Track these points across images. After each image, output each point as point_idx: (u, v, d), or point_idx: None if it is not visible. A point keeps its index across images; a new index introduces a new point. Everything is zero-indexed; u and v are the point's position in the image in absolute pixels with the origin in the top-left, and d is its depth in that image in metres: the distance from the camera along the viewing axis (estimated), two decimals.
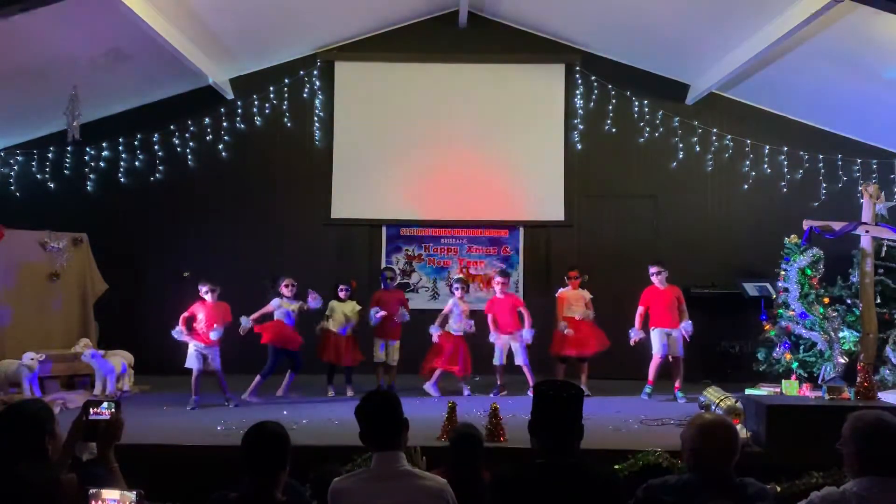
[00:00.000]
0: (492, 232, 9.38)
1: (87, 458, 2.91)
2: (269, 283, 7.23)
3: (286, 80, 9.27)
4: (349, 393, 7.33)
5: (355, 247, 9.30)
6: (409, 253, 9.37)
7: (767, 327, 7.57)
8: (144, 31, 6.98)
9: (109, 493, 2.27)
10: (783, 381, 6.30)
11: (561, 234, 9.30)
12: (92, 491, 2.29)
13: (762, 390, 6.68)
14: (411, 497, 2.71)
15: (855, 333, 7.22)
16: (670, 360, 7.23)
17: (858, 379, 5.36)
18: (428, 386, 7.38)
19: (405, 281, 9.21)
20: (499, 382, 7.49)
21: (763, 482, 2.67)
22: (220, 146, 9.16)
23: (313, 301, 7.22)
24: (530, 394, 5.87)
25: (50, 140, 8.98)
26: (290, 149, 9.33)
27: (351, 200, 9.28)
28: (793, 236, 7.45)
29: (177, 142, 9.13)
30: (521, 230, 9.36)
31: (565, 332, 7.36)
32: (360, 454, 4.35)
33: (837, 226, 7.27)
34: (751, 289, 8.41)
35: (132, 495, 2.26)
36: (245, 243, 9.05)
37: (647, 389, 7.25)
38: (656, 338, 7.22)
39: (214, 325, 6.70)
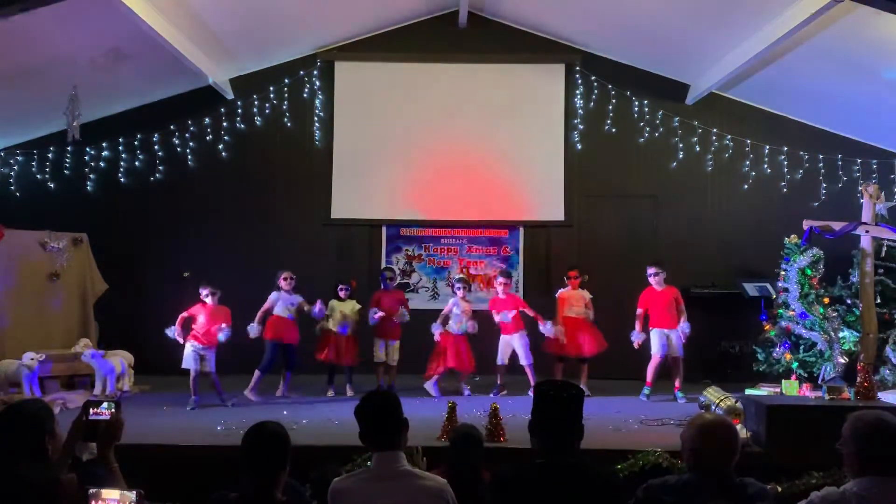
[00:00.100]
0: (492, 232, 9.38)
1: (87, 458, 2.91)
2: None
3: (286, 80, 9.27)
4: (349, 393, 7.33)
5: (355, 247, 9.30)
6: (409, 253, 9.37)
7: (767, 327, 7.57)
8: (144, 31, 6.98)
9: (109, 493, 2.27)
10: (783, 381, 6.31)
11: (561, 234, 9.30)
12: (92, 491, 2.29)
13: (762, 390, 6.69)
14: (411, 497, 2.71)
15: (855, 333, 7.22)
16: (669, 360, 7.24)
17: (858, 379, 5.37)
18: (428, 385, 7.39)
19: (405, 281, 9.21)
20: (499, 382, 7.49)
21: (763, 482, 2.67)
22: (220, 146, 9.16)
23: (318, 311, 7.22)
24: (531, 394, 5.87)
25: (50, 140, 8.98)
26: (290, 149, 9.33)
27: (351, 200, 9.27)
28: (793, 236, 7.45)
29: (177, 142, 9.14)
30: (521, 230, 9.36)
31: (559, 336, 7.34)
32: (360, 454, 4.36)
33: (837, 226, 7.27)
34: (751, 289, 8.41)
35: (132, 495, 2.26)
36: (245, 243, 9.05)
37: (646, 391, 7.25)
38: (655, 338, 7.22)
39: (223, 326, 6.72)
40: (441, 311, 7.65)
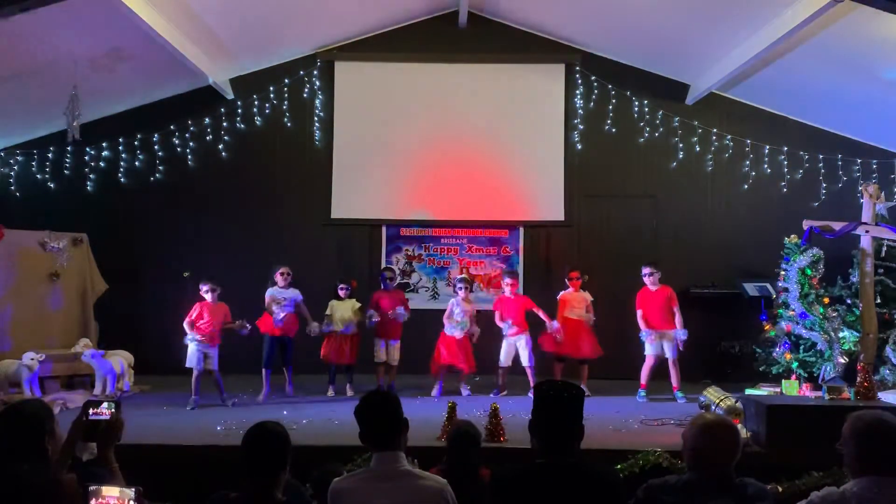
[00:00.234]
0: (492, 232, 9.38)
1: (87, 458, 2.91)
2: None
3: (286, 80, 9.27)
4: (349, 393, 7.33)
5: (355, 247, 9.30)
6: (409, 253, 9.37)
7: (767, 327, 7.57)
8: (144, 31, 6.98)
9: (109, 490, 2.27)
10: (783, 381, 6.30)
11: (561, 234, 9.30)
12: (92, 488, 2.29)
13: (762, 390, 6.69)
14: (411, 497, 2.71)
15: (855, 333, 7.21)
16: (665, 362, 7.23)
17: (858, 379, 5.37)
18: (435, 392, 7.37)
19: (405, 281, 9.21)
20: (500, 383, 7.49)
21: (763, 482, 2.67)
22: (220, 146, 9.16)
23: (315, 329, 7.25)
24: (531, 395, 5.88)
25: (50, 140, 8.98)
26: (290, 149, 9.33)
27: (351, 200, 9.27)
28: (793, 236, 7.45)
29: (177, 142, 9.13)
30: (521, 230, 9.36)
31: (556, 335, 7.35)
32: (360, 454, 4.36)
33: (837, 226, 7.27)
34: (751, 289, 8.41)
35: (131, 492, 2.26)
36: (245, 243, 9.05)
37: (642, 393, 7.25)
38: (649, 339, 7.23)
39: (246, 325, 6.83)
40: (440, 310, 7.65)
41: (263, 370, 7.08)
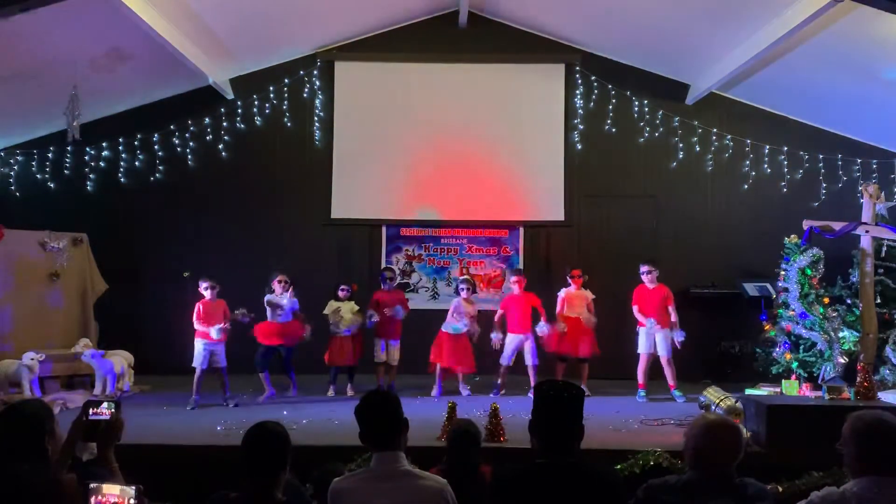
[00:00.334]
0: (492, 232, 9.38)
1: (87, 458, 2.91)
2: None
3: (286, 80, 9.27)
4: (349, 393, 7.33)
5: (355, 247, 9.30)
6: (409, 253, 9.37)
7: (767, 327, 7.57)
8: (144, 31, 6.98)
9: (109, 489, 2.27)
10: (783, 381, 6.31)
11: (561, 234, 9.30)
12: (92, 486, 2.29)
13: (762, 390, 6.69)
14: (411, 497, 2.71)
15: (855, 333, 7.22)
16: (659, 361, 7.23)
17: (858, 379, 5.37)
18: (435, 392, 7.37)
19: (405, 281, 9.21)
20: (499, 381, 7.48)
21: (763, 482, 2.67)
22: (220, 146, 9.16)
23: (308, 335, 7.25)
24: (531, 394, 5.88)
25: (50, 140, 8.98)
26: (290, 149, 9.33)
27: (351, 200, 9.27)
28: (793, 236, 7.45)
29: (177, 142, 9.13)
30: (521, 230, 9.36)
31: (560, 330, 7.35)
32: (360, 454, 4.36)
33: (837, 226, 7.27)
34: (751, 289, 8.41)
35: (131, 490, 2.26)
36: (245, 243, 9.05)
37: (641, 393, 7.24)
38: (642, 337, 7.25)
39: (246, 312, 6.81)
40: (440, 310, 7.65)
41: (261, 373, 7.06)
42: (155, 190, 9.16)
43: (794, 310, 7.23)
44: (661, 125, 9.21)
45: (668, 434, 5.39)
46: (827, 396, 5.29)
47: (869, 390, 5.28)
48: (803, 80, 8.27)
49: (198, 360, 6.71)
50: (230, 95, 9.23)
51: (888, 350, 7.30)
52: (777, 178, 9.16)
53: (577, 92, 9.27)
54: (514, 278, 7.68)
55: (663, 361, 7.21)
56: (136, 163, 9.15)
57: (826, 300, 7.30)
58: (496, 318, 7.54)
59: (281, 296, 7.13)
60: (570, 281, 7.68)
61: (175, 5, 7.15)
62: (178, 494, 3.47)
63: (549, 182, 9.29)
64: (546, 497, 2.48)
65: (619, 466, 4.50)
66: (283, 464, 2.63)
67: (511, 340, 7.45)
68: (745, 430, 4.88)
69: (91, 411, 2.70)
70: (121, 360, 7.35)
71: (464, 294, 7.56)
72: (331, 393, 7.34)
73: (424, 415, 5.51)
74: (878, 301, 7.47)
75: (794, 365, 7.12)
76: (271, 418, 2.84)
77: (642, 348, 7.26)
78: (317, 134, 9.30)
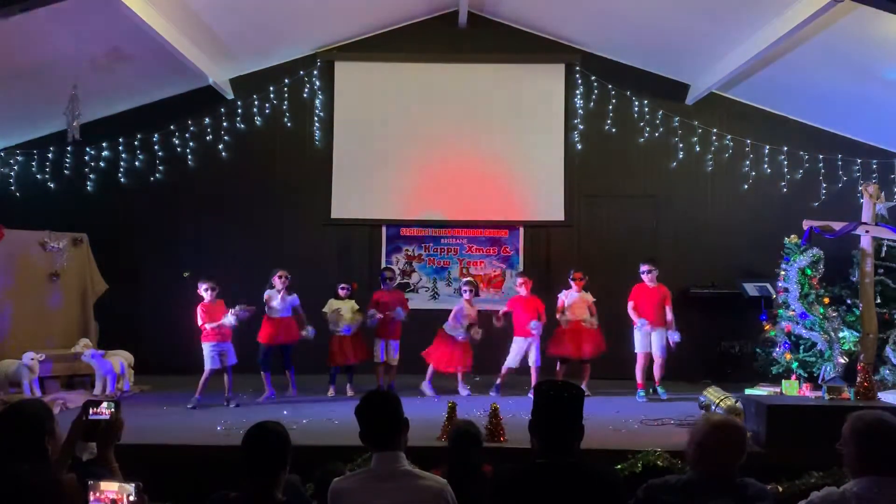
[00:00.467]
0: (492, 232, 9.38)
1: (87, 458, 2.91)
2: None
3: (286, 80, 9.27)
4: (349, 393, 7.33)
5: (355, 247, 9.30)
6: (409, 253, 9.37)
7: (767, 327, 7.57)
8: (144, 31, 6.98)
9: (108, 485, 2.27)
10: (783, 381, 6.31)
11: (561, 234, 9.30)
12: (91, 482, 2.29)
13: (762, 390, 6.69)
14: (411, 497, 2.71)
15: (855, 333, 7.22)
16: (652, 359, 7.26)
17: (858, 379, 5.37)
18: (424, 385, 7.39)
19: (405, 281, 9.21)
20: (500, 382, 7.48)
21: (763, 482, 2.68)
22: (220, 146, 9.16)
23: (311, 333, 7.25)
24: (531, 395, 5.88)
25: (50, 140, 8.98)
26: (290, 149, 9.33)
27: (351, 200, 9.27)
28: (793, 236, 7.45)
29: (177, 142, 9.13)
30: (521, 230, 9.35)
31: (564, 322, 7.36)
32: (360, 454, 4.36)
33: (837, 226, 7.27)
34: (751, 289, 8.40)
35: (130, 487, 2.26)
36: (245, 243, 9.05)
37: (641, 393, 7.25)
38: (638, 335, 7.24)
39: (238, 307, 6.73)
40: (440, 310, 7.65)
41: (262, 373, 7.08)
42: (155, 190, 9.16)
43: (794, 310, 7.23)
44: (661, 125, 9.20)
45: (668, 434, 5.39)
46: (827, 396, 5.29)
47: (869, 390, 5.28)
48: (803, 79, 8.27)
49: (209, 363, 6.71)
50: (230, 95, 9.23)
51: (888, 350, 7.30)
52: (777, 178, 9.15)
53: (577, 92, 9.27)
54: (520, 280, 7.68)
55: (656, 360, 7.24)
56: (136, 163, 9.15)
57: (826, 300, 7.30)
58: (500, 311, 7.53)
59: (279, 292, 7.12)
60: (571, 283, 7.67)
61: (175, 5, 7.15)
62: (178, 494, 3.48)
63: (549, 182, 9.29)
64: (546, 497, 2.48)
65: (619, 466, 4.50)
66: (283, 464, 2.63)
67: (518, 344, 7.43)
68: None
69: (91, 411, 2.71)
70: (121, 360, 7.35)
71: (466, 296, 7.56)
72: (331, 393, 7.33)
73: (424, 415, 5.51)
74: (878, 301, 7.48)
75: (794, 365, 7.12)
76: (271, 418, 2.84)
77: (639, 348, 7.27)
78: (317, 134, 9.30)
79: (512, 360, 7.44)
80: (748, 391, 6.56)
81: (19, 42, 6.87)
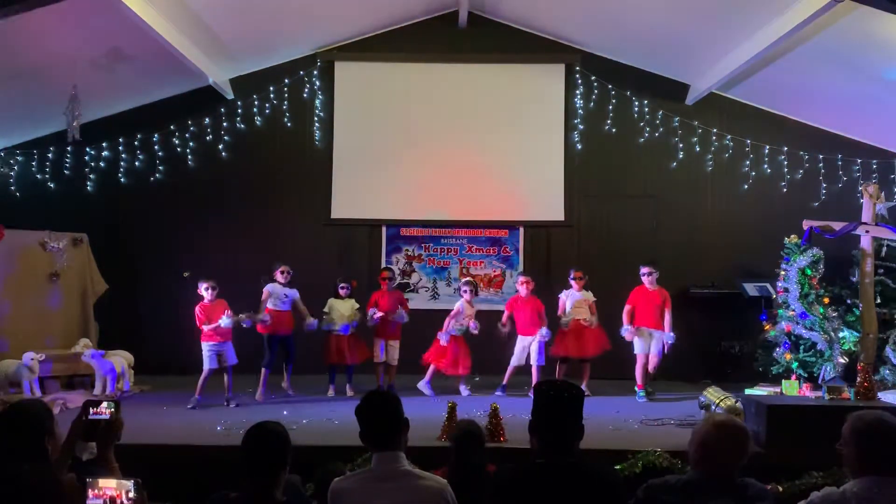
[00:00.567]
0: (492, 232, 9.38)
1: (87, 458, 2.91)
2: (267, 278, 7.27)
3: (286, 80, 9.27)
4: (349, 393, 7.33)
5: (355, 247, 9.30)
6: (409, 253, 9.37)
7: (767, 327, 7.57)
8: (144, 31, 6.98)
9: (106, 482, 2.27)
10: (783, 381, 6.31)
11: (561, 234, 9.30)
12: (89, 480, 2.29)
13: (762, 390, 6.69)
14: (411, 497, 2.71)
15: (855, 333, 7.22)
16: (649, 358, 7.28)
17: (858, 379, 5.38)
18: (422, 385, 7.39)
19: (405, 281, 9.21)
20: (504, 382, 7.47)
21: (763, 482, 2.68)
22: (220, 146, 9.16)
23: (313, 325, 7.27)
24: (531, 394, 5.87)
25: (50, 140, 8.98)
26: (290, 149, 9.33)
27: (351, 200, 9.27)
28: (793, 236, 7.45)
29: (177, 142, 9.13)
30: (521, 230, 9.36)
31: (565, 324, 7.36)
32: (360, 454, 4.36)
33: (837, 226, 7.27)
34: (751, 289, 8.41)
35: (129, 483, 2.26)
36: (245, 243, 9.04)
37: (641, 393, 7.26)
38: (638, 337, 7.24)
39: (225, 313, 6.70)
40: (440, 310, 7.64)
41: (263, 370, 7.09)
42: (155, 190, 9.16)
43: (794, 310, 7.22)
44: (661, 125, 9.20)
45: (668, 434, 5.39)
46: (827, 396, 5.29)
47: (869, 390, 5.29)
48: (803, 80, 8.27)
49: (207, 363, 6.72)
50: (230, 95, 9.23)
51: (888, 350, 7.30)
52: (777, 178, 9.15)
53: (577, 92, 9.27)
54: (521, 279, 7.67)
55: (651, 362, 7.26)
56: (136, 163, 9.15)
57: (826, 300, 7.30)
58: (503, 318, 7.53)
59: (283, 285, 7.18)
60: (571, 283, 7.67)
61: (175, 5, 7.15)
62: (178, 494, 3.47)
63: (549, 182, 9.29)
64: (546, 497, 2.48)
65: (619, 466, 4.50)
66: (283, 464, 2.63)
67: (522, 342, 7.44)
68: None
69: (91, 411, 2.71)
70: (121, 360, 7.35)
71: (466, 296, 7.55)
72: (330, 393, 7.33)
73: (424, 415, 5.51)
74: (878, 301, 7.47)
75: (794, 365, 7.12)
76: (271, 418, 2.84)
77: (638, 349, 7.28)
78: (317, 134, 9.30)
79: (517, 359, 7.44)
80: (748, 391, 6.56)
81: (19, 42, 6.87)
